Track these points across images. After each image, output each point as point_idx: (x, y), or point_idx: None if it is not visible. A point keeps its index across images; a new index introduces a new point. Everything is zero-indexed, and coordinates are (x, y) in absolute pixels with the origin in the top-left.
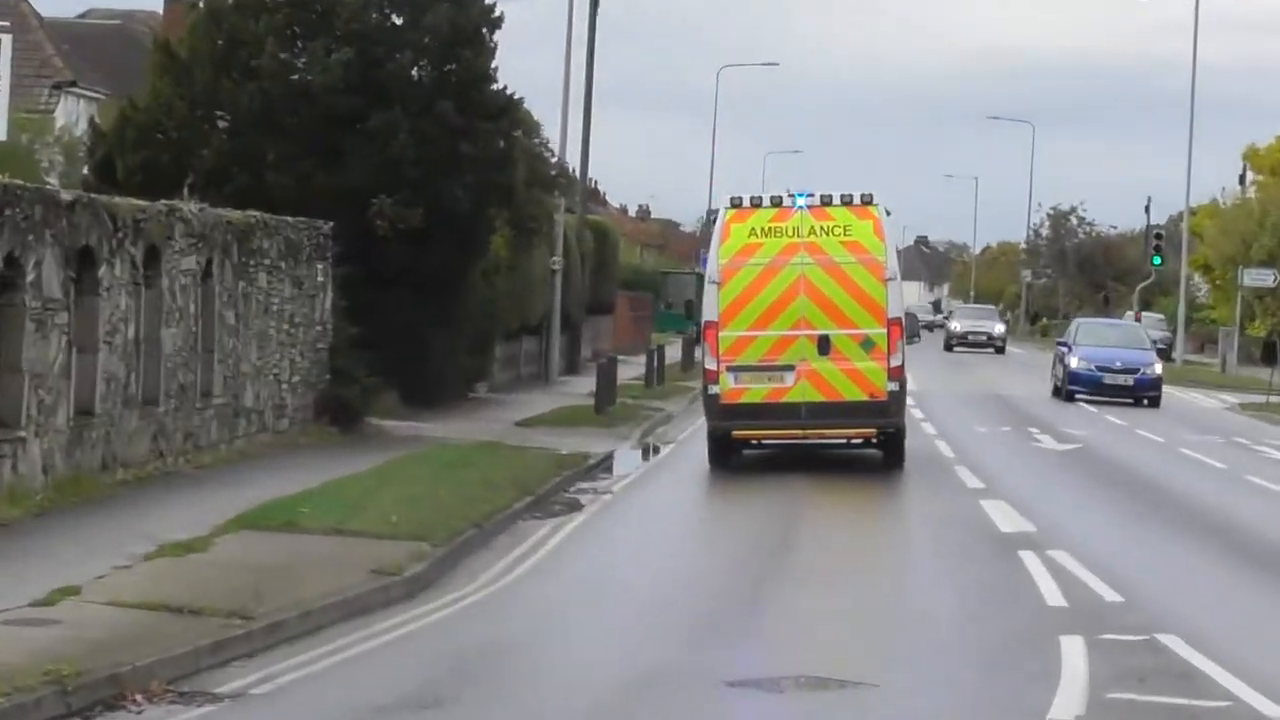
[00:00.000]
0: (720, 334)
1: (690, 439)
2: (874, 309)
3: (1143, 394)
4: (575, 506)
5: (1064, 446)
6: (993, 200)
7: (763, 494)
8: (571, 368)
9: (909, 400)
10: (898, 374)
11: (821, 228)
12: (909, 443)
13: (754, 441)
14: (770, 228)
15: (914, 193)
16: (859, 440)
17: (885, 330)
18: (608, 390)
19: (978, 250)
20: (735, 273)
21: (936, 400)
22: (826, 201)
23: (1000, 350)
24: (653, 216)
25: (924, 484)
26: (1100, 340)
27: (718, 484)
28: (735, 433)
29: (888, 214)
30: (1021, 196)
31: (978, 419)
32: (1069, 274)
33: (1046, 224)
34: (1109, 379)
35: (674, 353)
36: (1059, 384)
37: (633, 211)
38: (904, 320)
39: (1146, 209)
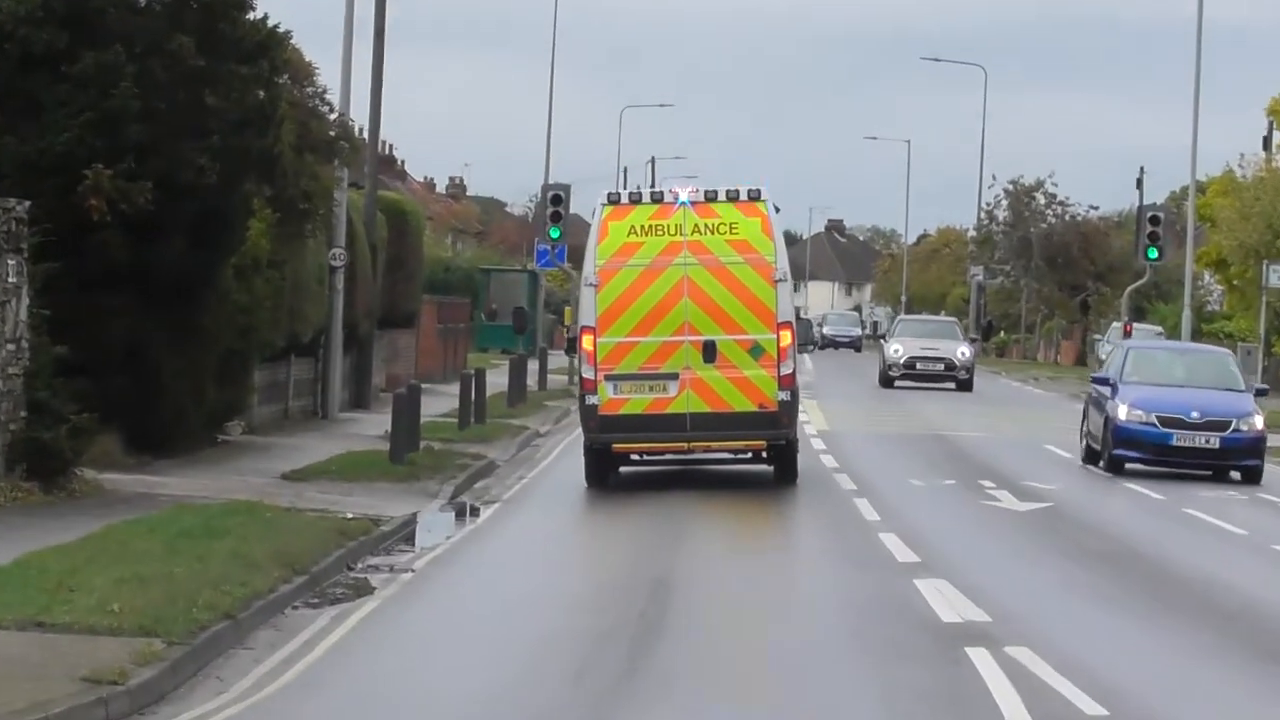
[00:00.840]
0: (598, 340)
1: (523, 495)
2: (762, 312)
3: (1235, 461)
4: (363, 590)
5: (1027, 506)
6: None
7: (619, 563)
8: (359, 400)
9: (820, 445)
10: (789, 382)
11: (706, 225)
12: (826, 496)
13: (635, 456)
14: (651, 225)
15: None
16: (748, 455)
17: (775, 335)
18: (408, 431)
19: (911, 239)
20: (613, 274)
21: (859, 442)
22: (711, 197)
23: (965, 385)
24: (469, 194)
25: (842, 557)
26: (1163, 374)
27: (557, 553)
28: (615, 446)
29: (776, 210)
30: (970, 167)
31: (913, 468)
32: (1034, 271)
33: (1004, 204)
34: (1181, 438)
35: (499, 379)
36: (1095, 444)
37: (442, 187)
38: (795, 325)
39: (1138, 184)
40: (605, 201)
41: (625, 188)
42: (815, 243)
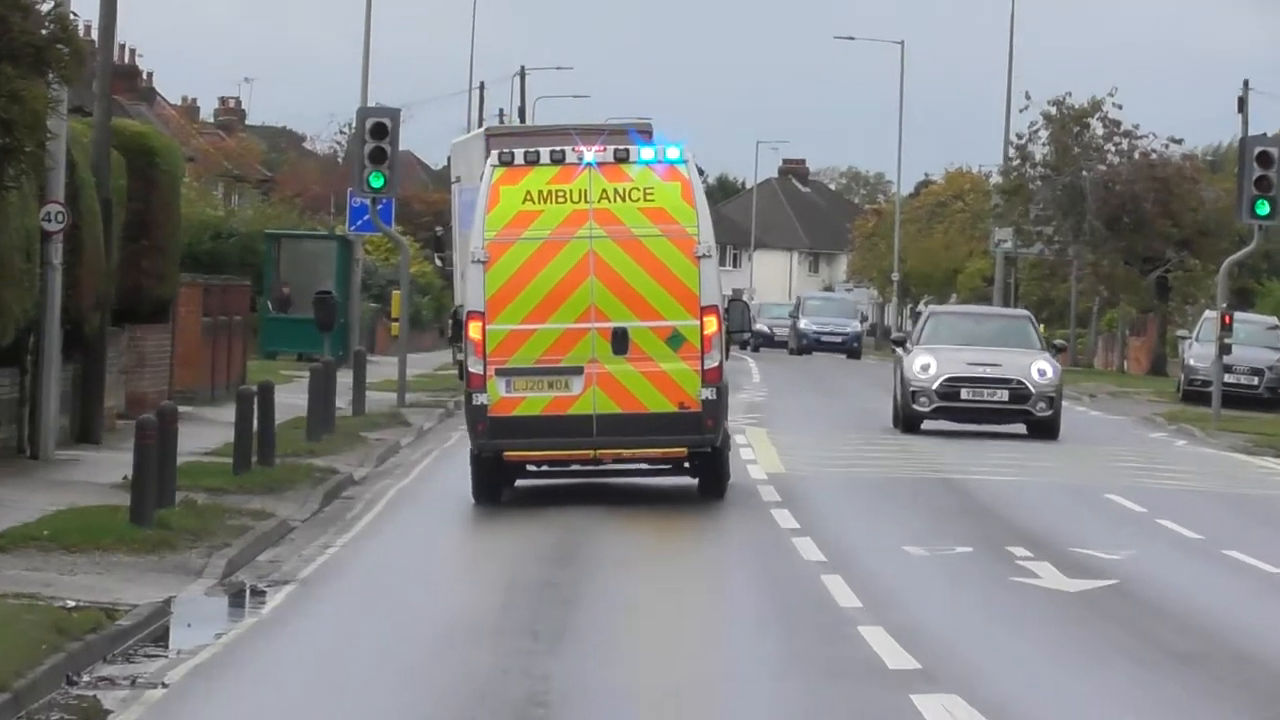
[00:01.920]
0: (487, 328)
1: (330, 572)
2: (683, 294)
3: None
4: (92, 716)
5: (1078, 585)
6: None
7: (467, 680)
8: (86, 430)
9: (772, 495)
10: (715, 377)
11: (616, 191)
12: (782, 572)
13: (532, 467)
14: (550, 191)
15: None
16: (666, 464)
17: (698, 321)
18: (159, 477)
19: (906, 188)
20: (506, 249)
21: (829, 491)
22: (622, 157)
23: (1044, 427)
24: (250, 125)
25: (807, 661)
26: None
27: (374, 662)
28: (507, 455)
29: (700, 173)
30: (992, 83)
31: (910, 529)
32: (1088, 235)
33: (1043, 136)
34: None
35: (294, 397)
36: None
37: (209, 113)
38: (721, 309)
39: (1240, 107)
40: (495, 162)
41: (482, 114)
42: (764, 194)
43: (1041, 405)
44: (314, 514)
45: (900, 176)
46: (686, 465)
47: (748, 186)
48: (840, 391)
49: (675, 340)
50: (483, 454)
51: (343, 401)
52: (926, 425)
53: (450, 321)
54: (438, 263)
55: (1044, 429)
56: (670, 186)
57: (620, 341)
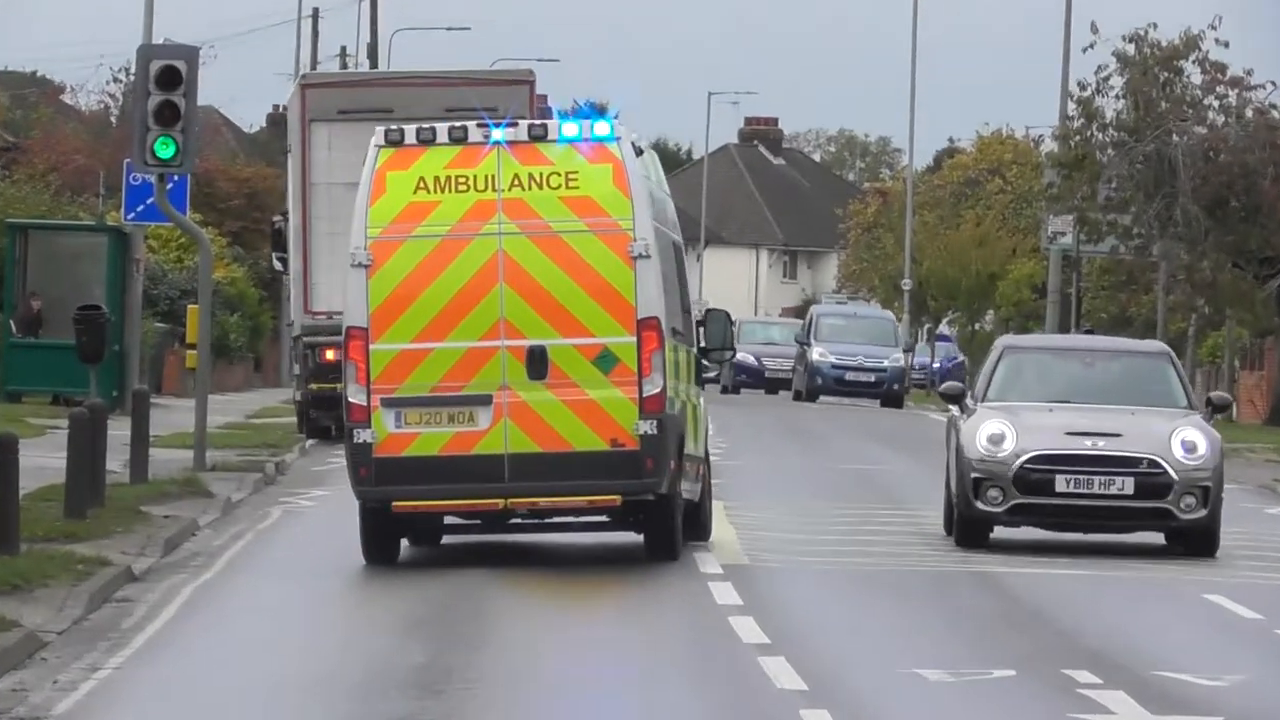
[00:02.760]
0: (372, 348)
1: (103, 705)
2: (615, 304)
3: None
4: None
5: None
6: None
7: None
8: None
9: (731, 597)
10: (655, 406)
11: (531, 177)
12: (745, 706)
13: (429, 520)
14: (449, 177)
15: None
16: (598, 516)
17: (634, 338)
18: None
19: (923, 160)
20: (394, 250)
21: (811, 588)
22: (538, 135)
23: (1202, 538)
24: None
25: None
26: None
27: None
28: (397, 505)
29: (638, 153)
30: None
31: (928, 642)
32: (1181, 226)
33: (1115, 85)
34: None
35: (47, 458)
36: None
37: None
38: (663, 321)
39: None
40: (381, 141)
41: (315, 54)
42: (719, 168)
43: (1189, 501)
44: (75, 623)
45: (913, 143)
46: (631, 520)
47: (695, 156)
48: (832, 443)
49: (605, 361)
50: (369, 503)
51: (116, 463)
52: (1000, 533)
53: (296, 349)
54: (277, 265)
55: (1195, 540)
56: (599, 170)
57: (537, 363)
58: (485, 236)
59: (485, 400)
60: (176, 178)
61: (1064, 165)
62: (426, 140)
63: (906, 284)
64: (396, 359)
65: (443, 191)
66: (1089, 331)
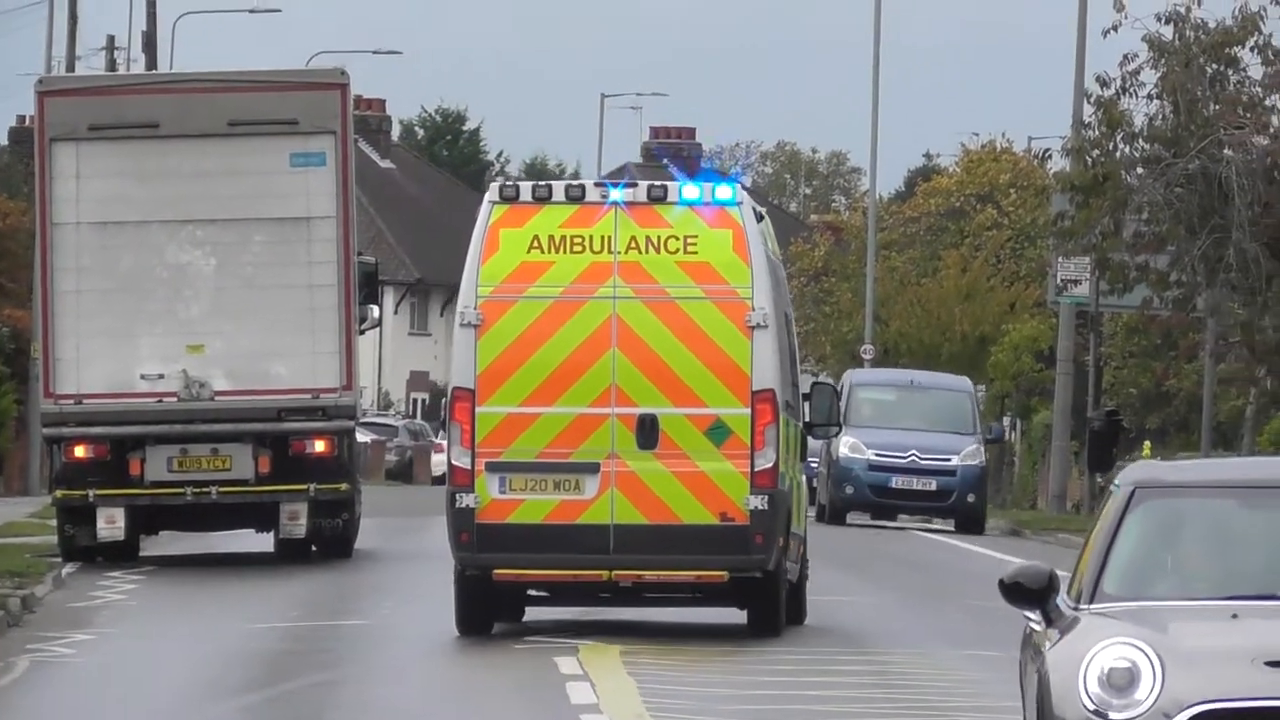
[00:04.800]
0: (478, 410)
1: None
2: (730, 374)
3: None
4: None
5: None
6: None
7: None
8: None
9: None
10: (767, 481)
11: (649, 239)
12: None
13: (532, 592)
14: (565, 237)
15: None
16: (703, 592)
17: (748, 410)
18: None
19: (888, 182)
20: (505, 310)
21: None
22: (658, 197)
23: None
24: None
25: None
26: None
27: None
28: (498, 573)
29: (759, 219)
30: None
31: None
32: (1235, 268)
33: (1148, 76)
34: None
35: None
36: None
37: None
38: (779, 394)
39: None
40: (495, 197)
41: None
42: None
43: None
44: None
45: (876, 161)
46: (736, 596)
47: (569, 175)
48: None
49: (718, 433)
50: (467, 571)
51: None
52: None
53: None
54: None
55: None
56: (719, 235)
57: (648, 432)
58: (599, 300)
59: (593, 468)
60: None
61: (1079, 189)
62: (542, 198)
63: (867, 351)
64: (503, 422)
65: (557, 251)
66: (1112, 414)
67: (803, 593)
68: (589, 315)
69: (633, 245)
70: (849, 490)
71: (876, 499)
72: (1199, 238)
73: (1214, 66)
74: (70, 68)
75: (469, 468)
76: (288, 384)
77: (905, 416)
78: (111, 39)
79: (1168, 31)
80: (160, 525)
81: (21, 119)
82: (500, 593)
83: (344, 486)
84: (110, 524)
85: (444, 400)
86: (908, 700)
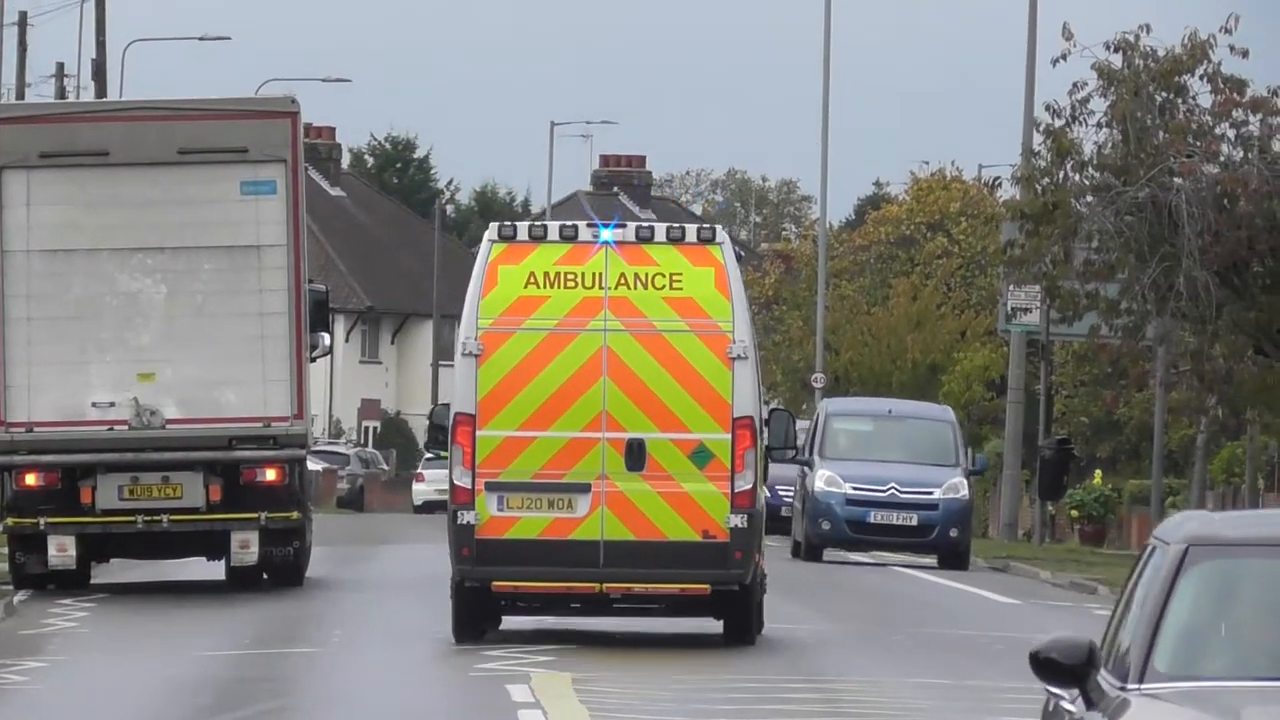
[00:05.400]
0: (478, 434)
1: None
2: (712, 402)
3: None
4: None
5: None
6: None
7: None
8: None
9: None
10: (746, 501)
11: (636, 276)
12: None
13: (522, 604)
14: (559, 274)
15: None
16: (684, 603)
17: (729, 435)
18: None
19: (839, 210)
20: (503, 341)
21: None
22: (645, 237)
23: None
24: None
25: None
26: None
27: None
28: (496, 585)
29: (739, 257)
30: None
31: None
32: (1185, 296)
33: (1097, 104)
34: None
35: None
36: None
37: None
38: (756, 421)
39: None
40: (494, 236)
41: (23, 69)
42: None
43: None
44: None
45: (826, 189)
46: (711, 604)
47: (534, 209)
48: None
49: (701, 456)
50: (466, 583)
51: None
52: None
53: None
54: None
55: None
56: (701, 272)
57: (636, 455)
58: (591, 332)
59: (584, 488)
60: None
61: (1028, 217)
62: (538, 237)
63: (818, 380)
64: (502, 445)
65: (552, 287)
66: (1063, 442)
67: (761, 605)
68: (582, 346)
69: (622, 281)
70: (825, 526)
71: (854, 535)
72: (1149, 266)
73: (1163, 95)
74: (20, 95)
75: (469, 487)
76: (239, 412)
77: (884, 448)
78: (61, 66)
79: (1117, 60)
80: (111, 553)
81: None
82: (494, 603)
83: (295, 515)
84: (61, 552)
85: (427, 425)
86: None
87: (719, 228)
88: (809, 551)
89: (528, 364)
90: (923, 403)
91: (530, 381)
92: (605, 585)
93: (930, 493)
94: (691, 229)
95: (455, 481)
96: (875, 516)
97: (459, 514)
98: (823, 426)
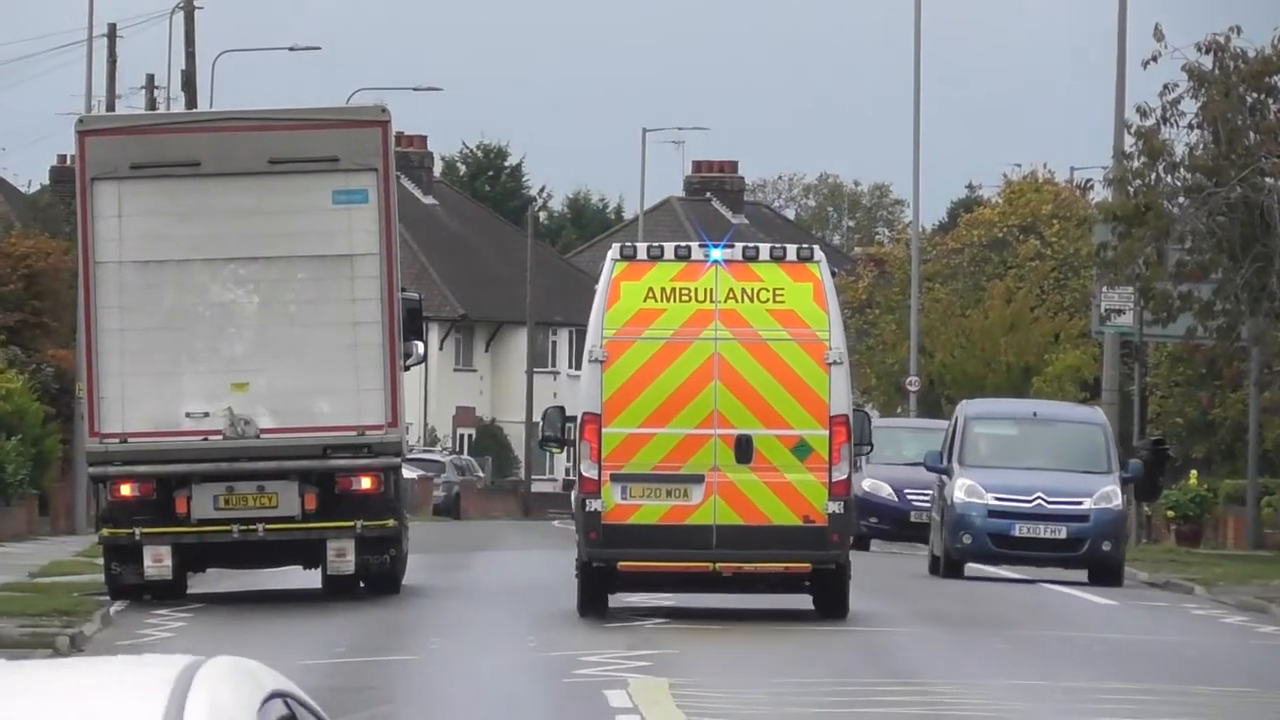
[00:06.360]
0: (604, 431)
1: None
2: (812, 402)
3: None
4: None
5: None
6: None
7: None
8: None
9: None
10: (842, 490)
11: (743, 291)
12: None
13: (642, 580)
14: (674, 289)
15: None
16: (787, 582)
17: (826, 431)
18: None
19: (932, 214)
20: (626, 348)
21: None
22: (751, 256)
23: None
24: None
25: None
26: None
27: None
28: (621, 565)
29: (834, 274)
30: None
31: None
32: (1278, 289)
33: (1188, 105)
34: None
35: None
36: None
37: None
38: (850, 419)
39: None
40: (617, 255)
41: (113, 80)
42: (659, 226)
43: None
44: None
45: (919, 192)
46: (806, 584)
47: (627, 215)
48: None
49: (801, 450)
50: (593, 563)
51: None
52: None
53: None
54: None
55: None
56: (801, 288)
57: (744, 449)
58: (703, 341)
59: (698, 479)
60: None
61: (1121, 219)
62: (656, 256)
63: (913, 384)
64: (625, 441)
65: (669, 301)
66: (1158, 443)
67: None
68: (695, 353)
69: (730, 296)
70: (966, 540)
71: (997, 549)
72: (1241, 266)
73: (1254, 95)
74: (110, 107)
75: (596, 478)
76: (333, 421)
77: (1029, 454)
78: (151, 78)
79: (1207, 61)
80: (207, 563)
81: (62, 159)
82: (616, 580)
83: (390, 523)
84: (157, 562)
85: (573, 424)
86: None
87: (816, 247)
88: (948, 568)
89: (647, 369)
90: (1070, 404)
91: (650, 385)
92: (718, 565)
93: (1080, 503)
94: (792, 249)
95: (583, 473)
96: (1020, 529)
97: (587, 502)
98: (961, 431)
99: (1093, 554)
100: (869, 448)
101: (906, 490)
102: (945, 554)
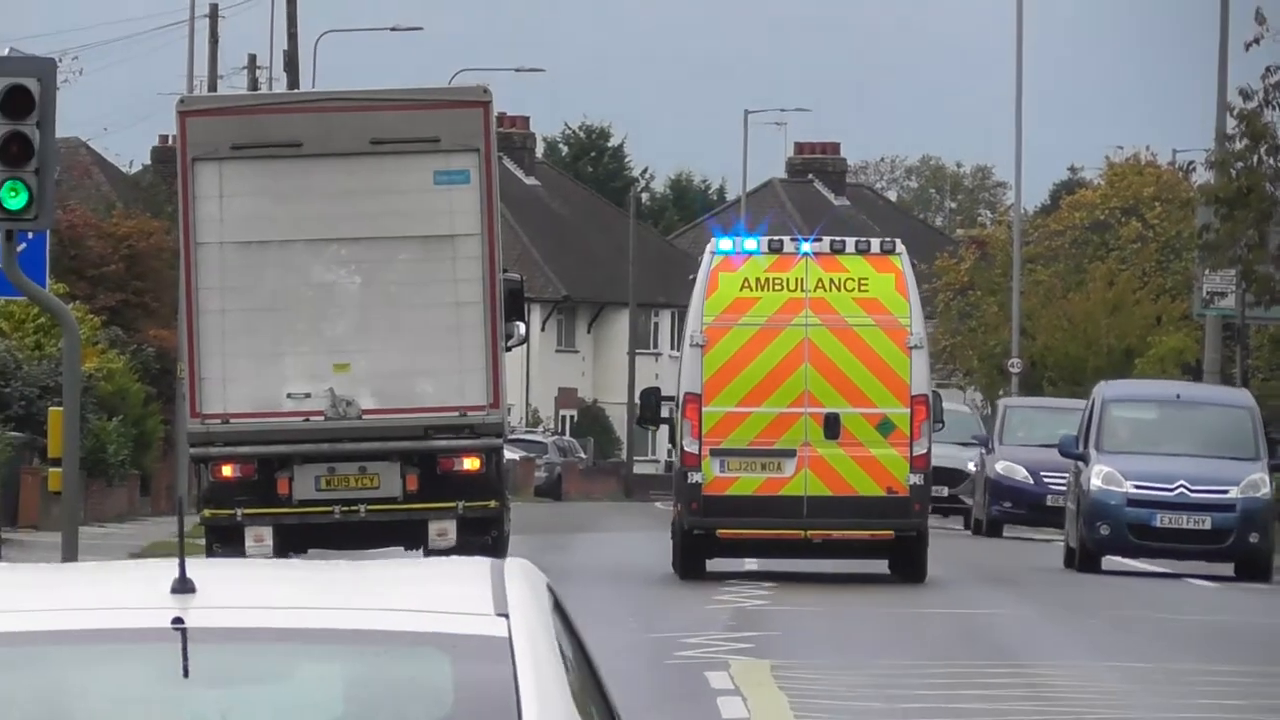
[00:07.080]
0: (704, 409)
1: None
2: (894, 383)
3: None
4: None
5: None
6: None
7: None
8: None
9: None
10: (922, 464)
11: (831, 281)
12: None
13: (738, 546)
14: (767, 279)
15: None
16: (872, 548)
17: (908, 410)
18: None
19: (1038, 196)
20: (723, 334)
21: None
22: (838, 249)
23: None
24: None
25: None
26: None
27: None
28: (720, 532)
29: (936, 256)
30: None
31: None
32: None
33: None
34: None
35: None
36: None
37: None
38: (930, 398)
39: None
40: (715, 249)
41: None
42: (762, 208)
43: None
44: None
45: (1021, 174)
46: (885, 550)
47: (729, 196)
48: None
49: (885, 427)
50: (694, 530)
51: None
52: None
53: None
54: None
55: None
56: (884, 278)
57: (832, 426)
58: (794, 327)
59: (790, 454)
60: (31, 236)
61: (1223, 201)
62: (750, 250)
63: (1015, 365)
64: (723, 419)
65: (762, 290)
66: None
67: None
68: (787, 338)
69: (819, 285)
70: (1104, 531)
71: (1137, 541)
72: None
73: None
74: (212, 87)
75: (697, 453)
76: (434, 402)
77: (1172, 439)
78: (253, 58)
79: None
80: (309, 544)
81: (164, 139)
82: (714, 546)
83: (493, 503)
84: (259, 542)
85: (668, 404)
86: (1058, 713)
87: (898, 240)
88: (1084, 560)
89: (744, 353)
90: (1216, 386)
91: (746, 367)
92: (809, 532)
93: (1226, 491)
94: (875, 242)
95: (685, 448)
96: (1161, 520)
97: (688, 474)
98: (1099, 414)
99: (1239, 546)
100: (940, 424)
101: (1042, 472)
102: (1081, 545)
